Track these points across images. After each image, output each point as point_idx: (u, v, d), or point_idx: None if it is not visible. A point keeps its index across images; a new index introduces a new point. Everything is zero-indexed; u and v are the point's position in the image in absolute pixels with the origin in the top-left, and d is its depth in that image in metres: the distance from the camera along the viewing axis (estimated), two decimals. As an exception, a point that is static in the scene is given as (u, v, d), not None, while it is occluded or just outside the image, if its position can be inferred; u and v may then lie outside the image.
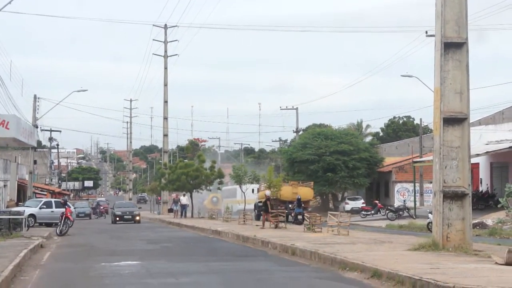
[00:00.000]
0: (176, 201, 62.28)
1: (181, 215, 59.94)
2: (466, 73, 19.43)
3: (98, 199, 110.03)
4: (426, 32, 49.84)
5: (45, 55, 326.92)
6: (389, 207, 52.92)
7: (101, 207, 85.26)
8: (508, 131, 50.31)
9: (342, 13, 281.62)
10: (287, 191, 49.30)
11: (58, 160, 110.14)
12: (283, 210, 40.94)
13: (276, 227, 35.76)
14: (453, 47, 19.40)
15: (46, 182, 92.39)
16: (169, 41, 70.78)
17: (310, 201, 53.52)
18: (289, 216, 43.17)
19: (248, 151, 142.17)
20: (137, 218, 56.06)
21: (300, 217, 39.91)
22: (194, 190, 61.43)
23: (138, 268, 18.56)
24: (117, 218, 55.78)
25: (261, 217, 39.36)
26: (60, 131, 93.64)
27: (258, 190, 56.20)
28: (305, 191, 49.64)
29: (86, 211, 73.41)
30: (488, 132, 52.36)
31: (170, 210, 65.97)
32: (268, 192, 40.03)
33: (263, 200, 38.72)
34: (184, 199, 61.32)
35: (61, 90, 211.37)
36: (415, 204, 53.35)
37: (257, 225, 39.23)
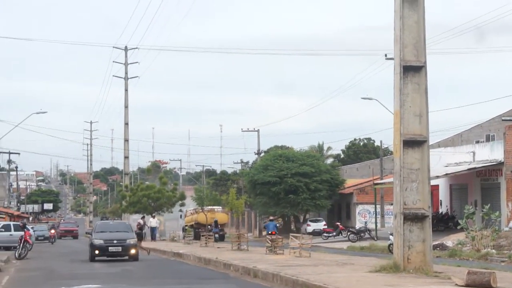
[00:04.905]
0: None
1: (152, 238, 55.27)
2: (425, 96, 19.66)
3: (57, 222, 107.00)
4: (386, 55, 50.55)
5: (3, 76, 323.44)
6: (350, 229, 53.14)
7: (52, 231, 69.69)
8: (466, 153, 50.96)
9: (303, 36, 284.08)
10: (207, 216, 58.06)
11: (17, 183, 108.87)
12: (243, 233, 41.55)
13: (238, 249, 35.87)
14: (412, 70, 19.65)
15: (5, 205, 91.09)
16: (130, 63, 70.67)
17: (226, 223, 65.42)
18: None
19: (210, 173, 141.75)
20: (133, 251, 33.27)
21: (217, 235, 49.45)
22: (156, 212, 61.03)
23: (99, 292, 18.34)
24: (97, 252, 32.97)
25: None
26: (19, 154, 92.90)
27: (185, 216, 65.89)
28: (221, 216, 61.30)
29: (45, 234, 72.05)
30: (447, 154, 52.99)
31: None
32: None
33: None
34: (154, 221, 57.30)
35: (20, 112, 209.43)
36: (376, 225, 53.68)
37: (218, 247, 39.21)
